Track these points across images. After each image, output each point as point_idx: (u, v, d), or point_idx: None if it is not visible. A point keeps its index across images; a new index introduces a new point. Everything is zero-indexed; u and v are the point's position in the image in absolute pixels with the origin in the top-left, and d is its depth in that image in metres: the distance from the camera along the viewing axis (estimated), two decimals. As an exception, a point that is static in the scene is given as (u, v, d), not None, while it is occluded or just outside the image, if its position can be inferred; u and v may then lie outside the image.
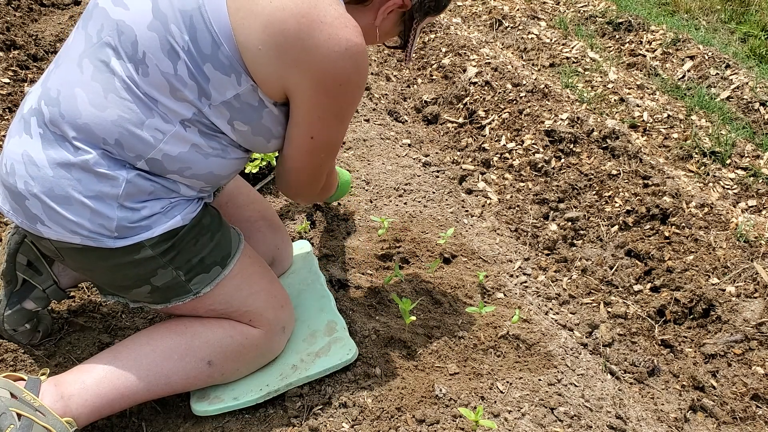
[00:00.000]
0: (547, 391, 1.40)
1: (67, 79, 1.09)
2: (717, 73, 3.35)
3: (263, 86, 1.09)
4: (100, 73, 1.07)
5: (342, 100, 1.14)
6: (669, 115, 2.90)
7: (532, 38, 3.85)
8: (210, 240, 1.22)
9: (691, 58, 3.53)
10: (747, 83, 3.19)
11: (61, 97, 1.08)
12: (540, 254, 2.13)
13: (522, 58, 3.67)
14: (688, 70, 3.46)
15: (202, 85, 1.06)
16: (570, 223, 2.23)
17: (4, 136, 2.09)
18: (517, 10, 4.25)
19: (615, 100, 3.06)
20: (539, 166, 2.50)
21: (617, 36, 3.97)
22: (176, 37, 1.03)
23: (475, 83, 3.10)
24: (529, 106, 2.81)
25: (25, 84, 2.52)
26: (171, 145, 1.09)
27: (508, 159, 2.61)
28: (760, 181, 2.48)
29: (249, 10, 1.03)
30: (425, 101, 3.15)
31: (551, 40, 3.82)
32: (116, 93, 1.06)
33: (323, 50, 1.05)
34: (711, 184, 2.50)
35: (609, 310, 1.89)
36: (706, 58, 3.48)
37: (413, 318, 1.47)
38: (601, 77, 3.32)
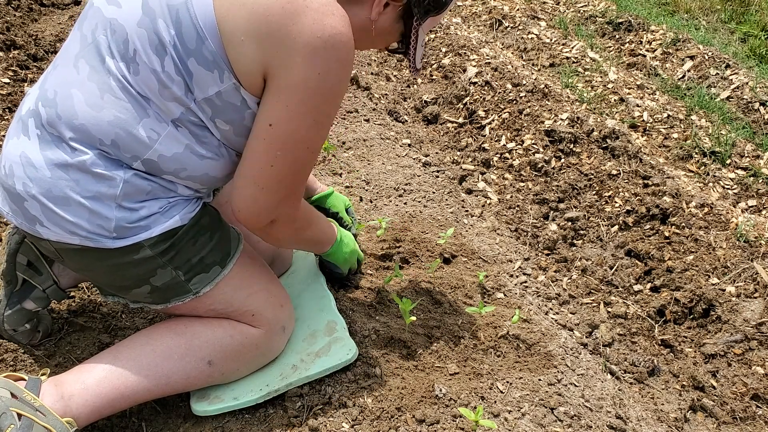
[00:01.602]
0: (547, 391, 1.40)
1: (64, 80, 1.09)
2: (717, 73, 3.35)
3: (245, 80, 1.07)
4: (95, 73, 1.07)
5: (319, 93, 1.08)
6: (669, 115, 2.91)
7: (532, 38, 3.85)
8: (209, 239, 1.22)
9: (691, 58, 3.53)
10: (747, 83, 3.19)
11: (58, 98, 1.08)
12: (540, 254, 2.13)
13: (522, 58, 3.67)
14: (688, 70, 3.46)
15: (187, 81, 1.05)
16: (570, 223, 2.23)
17: (3, 136, 2.09)
18: (517, 10, 4.25)
19: (615, 100, 3.07)
20: (539, 166, 2.50)
21: (617, 36, 3.97)
22: (163, 31, 1.03)
23: (475, 83, 3.10)
24: (529, 106, 2.81)
25: (25, 84, 2.52)
26: (166, 145, 1.09)
27: (508, 159, 2.61)
28: (760, 181, 2.48)
29: (234, 0, 1.02)
30: (425, 101, 3.15)
31: (551, 40, 3.82)
32: (112, 93, 1.06)
33: (306, 36, 1.03)
34: (711, 184, 2.50)
35: (609, 310, 1.89)
36: (706, 58, 3.48)
37: (413, 318, 1.47)
38: (601, 77, 3.32)
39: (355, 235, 1.78)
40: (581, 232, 2.21)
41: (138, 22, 1.04)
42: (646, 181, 2.34)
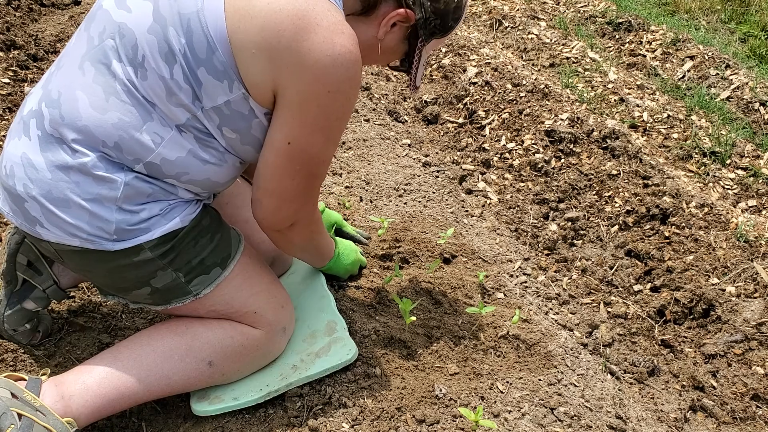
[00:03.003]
0: (547, 391, 1.40)
1: (69, 81, 1.09)
2: (717, 73, 3.35)
3: (254, 92, 1.08)
4: (101, 75, 1.07)
5: (329, 111, 1.10)
6: (669, 115, 2.91)
7: (532, 38, 3.85)
8: (210, 241, 1.22)
9: (691, 58, 3.54)
10: (747, 83, 3.19)
11: (62, 99, 1.08)
12: (540, 254, 2.13)
13: (522, 58, 3.67)
14: (688, 70, 3.46)
15: (195, 90, 1.06)
16: (570, 223, 2.23)
17: (4, 136, 2.09)
18: (517, 10, 4.25)
19: (615, 100, 3.07)
20: (539, 166, 2.50)
21: (617, 36, 3.97)
22: (173, 40, 1.03)
23: (475, 83, 3.10)
24: (529, 106, 2.81)
25: (25, 84, 2.52)
26: (169, 149, 1.09)
27: (508, 159, 2.61)
28: (760, 181, 2.48)
29: (246, 12, 1.03)
30: (425, 101, 3.15)
31: (551, 40, 3.82)
32: (117, 96, 1.07)
33: (315, 54, 1.04)
34: (711, 184, 2.50)
35: (609, 310, 1.89)
36: (706, 58, 3.48)
37: (413, 318, 1.47)
38: (601, 77, 3.32)
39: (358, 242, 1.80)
40: (581, 232, 2.21)
41: (148, 28, 1.04)
42: (646, 181, 2.34)
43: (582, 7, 4.37)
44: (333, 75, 1.06)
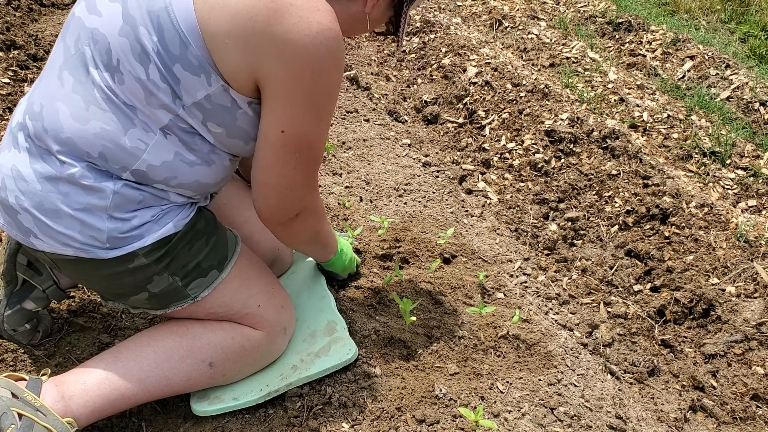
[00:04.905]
0: (547, 391, 1.40)
1: (49, 93, 1.09)
2: (717, 73, 3.35)
3: (234, 83, 1.06)
4: (80, 84, 1.06)
5: (316, 91, 1.08)
6: (669, 115, 2.91)
7: (532, 38, 3.85)
8: (205, 244, 1.21)
9: (691, 58, 3.53)
10: (747, 83, 3.19)
11: (44, 111, 1.08)
12: (540, 254, 2.13)
13: (522, 58, 3.67)
14: (688, 70, 3.46)
15: (173, 88, 1.04)
16: (570, 223, 2.23)
17: (3, 135, 2.09)
18: (517, 10, 4.25)
19: (615, 100, 3.06)
20: (539, 166, 2.50)
21: (617, 36, 3.97)
22: (145, 39, 1.02)
23: (475, 83, 3.10)
24: (529, 106, 2.81)
25: (25, 84, 2.52)
26: (154, 155, 1.09)
27: (508, 159, 2.61)
28: (760, 181, 2.48)
29: (215, 3, 1.01)
30: (425, 101, 3.15)
31: (551, 40, 3.82)
32: (97, 105, 1.06)
33: (293, 35, 1.02)
34: (711, 184, 2.50)
35: (609, 310, 1.89)
36: (706, 58, 3.48)
37: (413, 318, 1.47)
38: (601, 77, 3.32)
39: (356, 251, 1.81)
40: (581, 232, 2.21)
41: (119, 30, 1.03)
42: (646, 181, 2.34)
43: (582, 7, 4.37)
44: (314, 54, 1.04)
